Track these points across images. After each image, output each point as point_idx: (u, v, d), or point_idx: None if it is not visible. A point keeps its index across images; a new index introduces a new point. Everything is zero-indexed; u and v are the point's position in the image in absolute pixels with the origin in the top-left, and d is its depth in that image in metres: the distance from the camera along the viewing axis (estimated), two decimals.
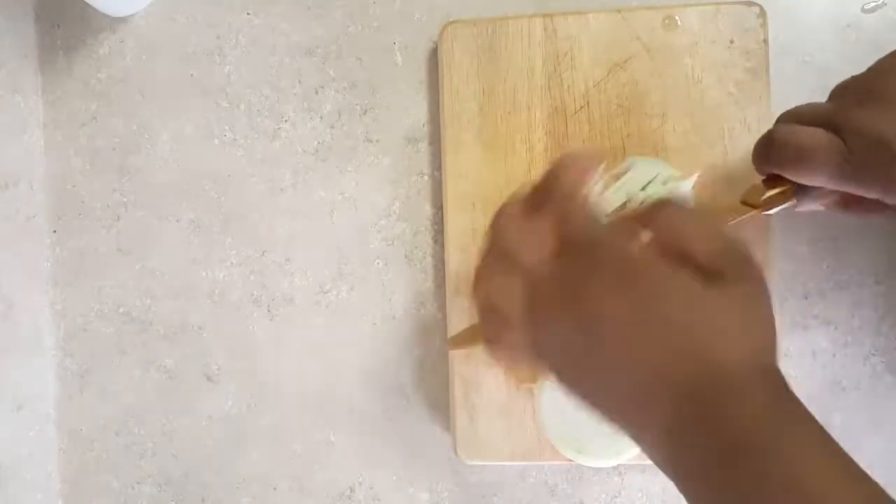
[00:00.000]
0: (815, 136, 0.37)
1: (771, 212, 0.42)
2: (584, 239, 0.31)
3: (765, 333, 0.29)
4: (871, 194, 0.38)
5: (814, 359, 0.50)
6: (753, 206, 0.42)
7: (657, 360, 0.29)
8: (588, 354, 0.30)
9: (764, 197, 0.41)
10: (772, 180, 0.41)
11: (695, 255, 0.29)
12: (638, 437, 0.30)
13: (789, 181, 0.40)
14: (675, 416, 0.28)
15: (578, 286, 0.30)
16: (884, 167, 0.36)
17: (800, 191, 0.41)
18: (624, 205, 0.49)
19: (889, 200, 0.37)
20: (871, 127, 0.36)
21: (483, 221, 0.50)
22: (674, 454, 0.29)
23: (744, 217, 0.42)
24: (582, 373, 0.31)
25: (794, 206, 0.41)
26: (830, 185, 0.38)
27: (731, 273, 0.29)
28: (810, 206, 0.42)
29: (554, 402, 0.46)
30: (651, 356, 0.29)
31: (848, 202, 0.42)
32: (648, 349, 0.29)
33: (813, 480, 0.26)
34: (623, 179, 0.49)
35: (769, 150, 0.40)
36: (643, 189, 0.49)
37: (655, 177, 0.48)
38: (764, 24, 0.48)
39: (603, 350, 0.29)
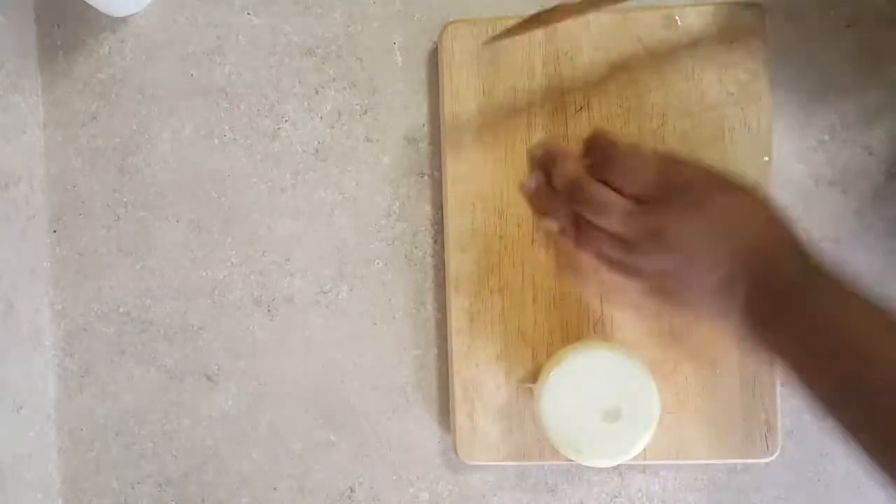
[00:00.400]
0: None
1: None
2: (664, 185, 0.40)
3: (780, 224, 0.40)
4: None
5: None
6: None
7: (727, 265, 0.39)
8: (678, 274, 0.40)
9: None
10: None
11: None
12: (725, 324, 0.40)
13: None
14: (746, 300, 0.39)
15: (667, 221, 0.39)
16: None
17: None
18: None
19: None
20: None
21: (483, 221, 0.50)
22: (752, 329, 0.39)
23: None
24: (676, 288, 0.41)
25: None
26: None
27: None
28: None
29: (554, 402, 0.46)
30: (723, 261, 0.39)
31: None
32: (721, 259, 0.39)
33: (847, 319, 0.37)
34: None
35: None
36: None
37: None
38: (764, 24, 0.48)
39: (690, 268, 0.39)
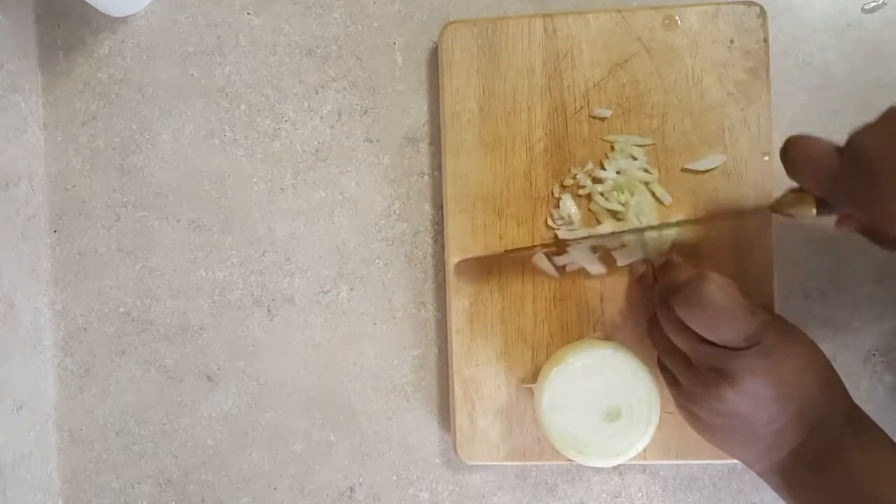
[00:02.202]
0: (816, 144, 0.39)
1: (793, 215, 0.43)
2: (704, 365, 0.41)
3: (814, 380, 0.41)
4: (848, 209, 0.39)
5: None
6: (775, 210, 0.43)
7: (785, 418, 0.40)
8: (734, 416, 0.41)
9: (778, 198, 0.43)
10: (799, 190, 0.43)
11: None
12: (759, 468, 0.43)
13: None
14: (791, 452, 0.41)
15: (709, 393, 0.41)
16: (860, 183, 0.36)
17: (820, 204, 0.41)
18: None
19: (863, 218, 0.39)
20: (856, 141, 0.37)
21: (483, 221, 0.50)
22: (790, 478, 0.41)
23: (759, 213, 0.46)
24: (721, 441, 0.43)
25: (813, 216, 0.42)
26: (824, 195, 0.39)
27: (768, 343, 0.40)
28: (844, 226, 0.42)
29: (554, 402, 0.46)
30: (783, 416, 0.40)
31: (867, 227, 0.42)
32: (781, 413, 0.40)
33: (875, 481, 0.38)
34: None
35: (782, 152, 0.41)
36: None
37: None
38: (764, 24, 0.48)
39: (749, 416, 0.40)
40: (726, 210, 0.48)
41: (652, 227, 0.48)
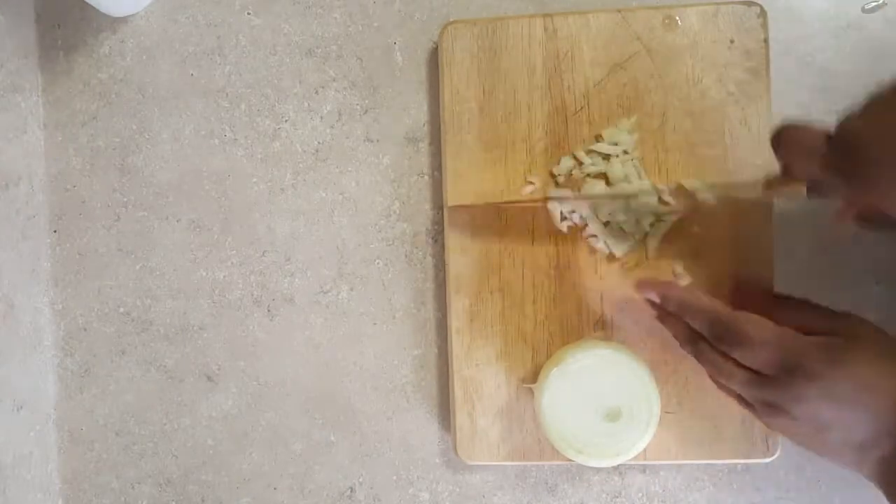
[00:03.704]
0: (807, 132, 0.40)
1: (782, 196, 0.44)
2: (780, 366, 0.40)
3: None
4: (842, 194, 0.39)
5: None
6: (767, 188, 0.44)
7: (864, 429, 0.39)
8: (815, 437, 0.40)
9: (770, 179, 0.44)
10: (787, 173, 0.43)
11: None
12: (858, 470, 0.41)
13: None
14: (888, 453, 0.39)
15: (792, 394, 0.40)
16: (854, 169, 0.37)
17: (810, 187, 0.42)
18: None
19: (854, 198, 0.39)
20: (846, 128, 0.37)
21: (483, 221, 0.50)
22: (888, 476, 0.39)
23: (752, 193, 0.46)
24: (814, 445, 0.41)
25: (802, 195, 0.42)
26: (816, 180, 0.40)
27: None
28: (842, 220, 0.43)
29: (554, 402, 0.46)
30: (859, 427, 0.39)
31: (863, 215, 0.42)
32: (855, 426, 0.39)
33: None
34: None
35: (773, 139, 0.42)
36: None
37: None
38: (764, 24, 0.49)
39: (825, 435, 0.40)
40: (723, 185, 0.48)
41: (644, 192, 0.48)
